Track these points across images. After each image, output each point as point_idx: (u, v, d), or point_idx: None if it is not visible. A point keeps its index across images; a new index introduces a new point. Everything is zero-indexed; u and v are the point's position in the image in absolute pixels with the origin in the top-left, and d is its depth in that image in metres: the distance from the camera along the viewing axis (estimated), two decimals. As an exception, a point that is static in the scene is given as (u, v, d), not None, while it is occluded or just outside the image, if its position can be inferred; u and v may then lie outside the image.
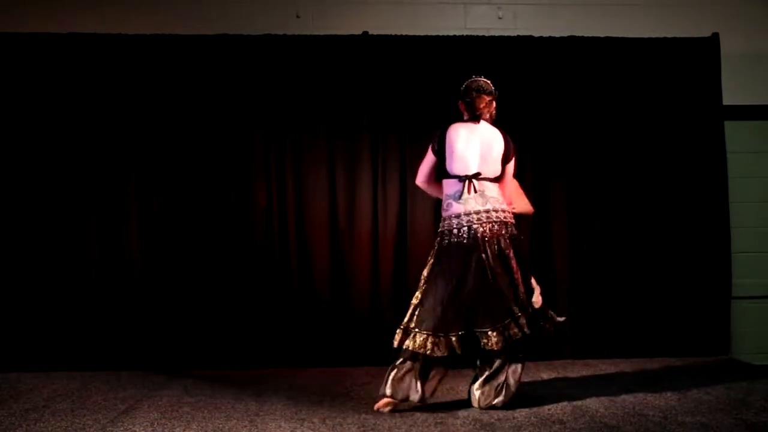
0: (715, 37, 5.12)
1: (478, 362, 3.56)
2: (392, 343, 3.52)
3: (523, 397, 3.69)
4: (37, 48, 4.83)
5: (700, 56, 5.11)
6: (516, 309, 3.47)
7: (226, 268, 4.85)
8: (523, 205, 4.08)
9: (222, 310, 4.83)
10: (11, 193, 4.79)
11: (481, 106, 3.66)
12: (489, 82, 3.73)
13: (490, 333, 3.43)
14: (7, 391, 4.05)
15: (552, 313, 3.69)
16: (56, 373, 4.54)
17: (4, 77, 4.83)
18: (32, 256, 4.77)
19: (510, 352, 3.50)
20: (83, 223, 4.81)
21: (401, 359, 3.48)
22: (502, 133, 3.66)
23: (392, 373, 3.47)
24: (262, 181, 4.91)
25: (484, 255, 3.48)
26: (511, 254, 3.54)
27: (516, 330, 3.44)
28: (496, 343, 3.42)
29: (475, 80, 3.73)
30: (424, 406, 3.51)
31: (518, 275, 3.53)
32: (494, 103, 3.73)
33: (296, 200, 4.93)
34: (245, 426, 3.27)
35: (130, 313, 4.79)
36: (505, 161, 3.65)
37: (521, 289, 3.53)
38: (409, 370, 3.46)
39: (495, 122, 3.74)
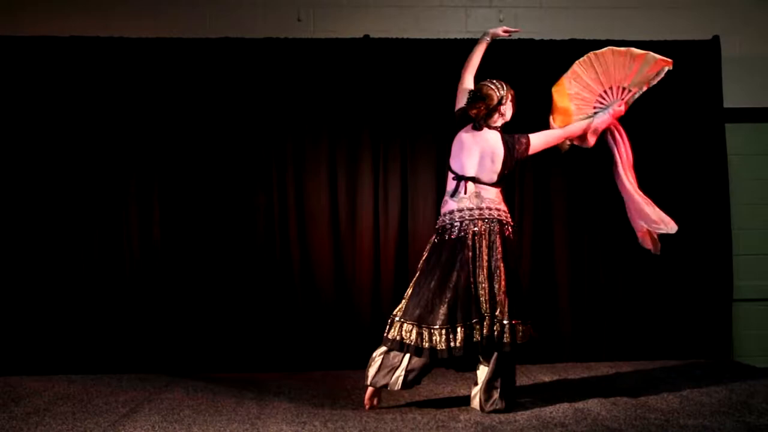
0: (716, 39, 5.13)
1: (478, 365, 3.57)
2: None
3: (524, 399, 3.70)
4: (39, 52, 4.84)
5: (701, 59, 5.11)
6: (485, 312, 3.46)
7: (228, 272, 4.85)
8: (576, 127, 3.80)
9: (223, 314, 4.83)
10: (12, 197, 4.79)
11: (472, 113, 3.62)
12: (489, 84, 3.64)
13: (458, 330, 3.44)
14: (8, 395, 4.04)
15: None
16: (57, 377, 4.54)
17: (7, 80, 4.83)
18: (33, 259, 4.77)
19: (492, 356, 3.48)
20: (84, 227, 4.81)
21: (382, 347, 3.56)
22: (503, 140, 3.61)
23: (372, 361, 3.57)
24: (264, 184, 4.92)
25: (471, 253, 3.50)
26: (500, 256, 3.52)
27: (478, 335, 3.43)
28: (460, 341, 3.42)
29: (474, 88, 3.69)
30: (404, 397, 3.59)
31: (503, 279, 3.50)
32: (501, 107, 3.63)
33: (297, 203, 4.93)
34: (247, 429, 3.26)
35: (132, 316, 4.79)
36: (512, 165, 3.64)
37: (501, 293, 3.48)
38: (387, 356, 3.53)
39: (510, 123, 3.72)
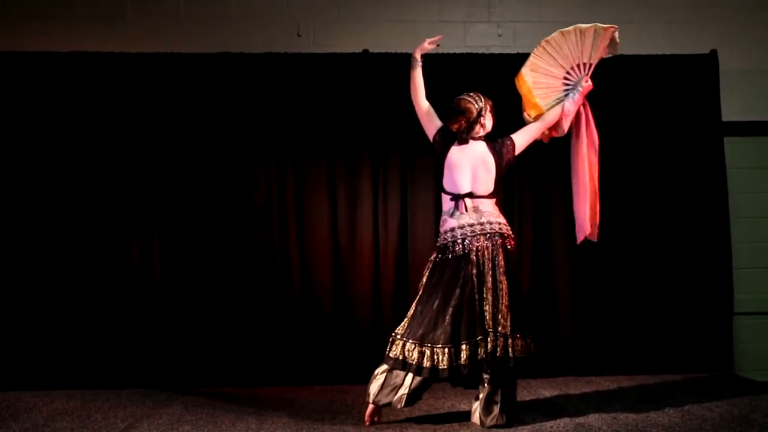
0: (714, 53, 5.15)
1: (480, 380, 3.55)
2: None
3: (525, 414, 3.69)
4: (40, 67, 4.86)
5: (699, 73, 5.13)
6: (489, 328, 3.45)
7: (228, 286, 4.85)
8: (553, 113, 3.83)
9: (223, 328, 4.82)
10: (12, 210, 4.80)
11: (454, 127, 3.66)
12: (466, 98, 3.69)
13: (462, 347, 3.43)
14: (6, 410, 4.03)
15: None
16: (56, 392, 4.52)
17: (9, 96, 4.85)
18: (31, 273, 4.77)
19: (495, 372, 3.47)
20: (83, 241, 4.81)
21: (384, 365, 3.54)
22: (490, 147, 3.65)
23: (373, 379, 3.55)
24: (264, 199, 4.92)
25: (474, 269, 3.50)
26: (503, 270, 3.52)
27: (482, 352, 3.42)
28: (465, 359, 3.42)
29: (450, 104, 3.72)
30: (404, 412, 3.59)
31: (505, 293, 3.49)
32: (481, 119, 3.67)
33: (297, 217, 4.93)
34: (246, 444, 3.26)
35: (131, 331, 4.78)
36: (504, 169, 3.67)
37: (503, 308, 3.48)
38: (390, 375, 3.51)
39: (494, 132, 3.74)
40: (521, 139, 3.74)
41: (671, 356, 4.96)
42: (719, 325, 5.01)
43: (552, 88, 3.83)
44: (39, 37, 4.98)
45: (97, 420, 3.77)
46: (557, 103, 3.83)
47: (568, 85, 3.84)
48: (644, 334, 4.97)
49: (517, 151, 3.72)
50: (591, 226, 3.83)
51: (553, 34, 3.78)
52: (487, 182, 3.62)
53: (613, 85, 5.08)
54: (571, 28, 3.77)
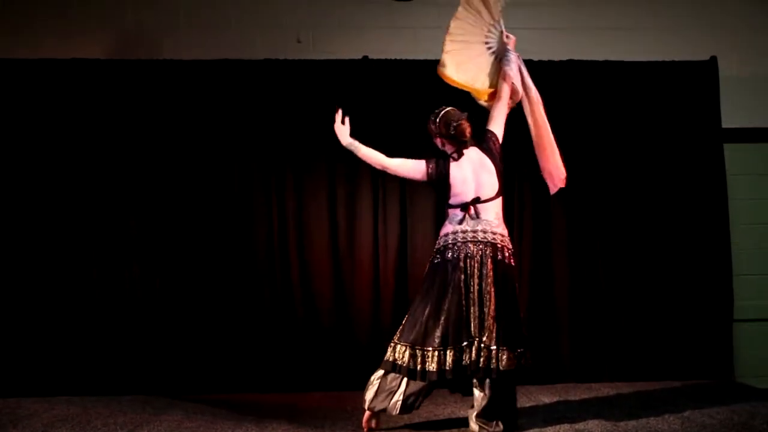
0: (714, 60, 5.15)
1: (472, 388, 3.54)
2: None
3: (524, 420, 3.68)
4: (40, 74, 4.87)
5: (699, 79, 5.14)
6: (474, 336, 3.44)
7: (228, 293, 4.85)
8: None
9: (223, 335, 4.83)
10: (11, 217, 4.81)
11: (468, 132, 3.65)
12: (431, 119, 3.74)
13: (448, 353, 3.44)
14: (6, 417, 4.03)
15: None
16: (56, 398, 4.52)
17: (9, 104, 4.87)
18: (32, 280, 4.78)
19: (485, 380, 3.45)
20: (84, 249, 4.82)
21: (380, 371, 3.55)
22: (482, 149, 3.66)
23: (369, 385, 3.56)
24: (263, 206, 4.93)
25: (462, 276, 3.50)
26: (491, 280, 3.50)
27: (467, 358, 3.42)
28: (450, 364, 3.42)
29: (448, 111, 3.70)
30: (403, 419, 3.61)
31: (492, 303, 3.47)
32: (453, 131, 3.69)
33: (297, 225, 4.94)
34: (245, 452, 3.25)
35: (131, 338, 4.79)
36: (501, 163, 3.68)
37: (490, 318, 3.45)
38: (384, 380, 3.52)
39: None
40: (497, 126, 3.74)
41: (671, 363, 4.96)
42: (719, 332, 5.00)
43: (482, 66, 3.86)
44: (38, 44, 4.99)
45: (97, 426, 3.77)
46: (497, 70, 3.84)
47: (490, 47, 3.88)
48: (644, 341, 4.97)
49: (501, 139, 3.73)
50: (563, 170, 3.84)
51: (449, 23, 3.84)
52: (491, 183, 3.62)
53: (613, 91, 5.09)
54: (460, 5, 3.82)
